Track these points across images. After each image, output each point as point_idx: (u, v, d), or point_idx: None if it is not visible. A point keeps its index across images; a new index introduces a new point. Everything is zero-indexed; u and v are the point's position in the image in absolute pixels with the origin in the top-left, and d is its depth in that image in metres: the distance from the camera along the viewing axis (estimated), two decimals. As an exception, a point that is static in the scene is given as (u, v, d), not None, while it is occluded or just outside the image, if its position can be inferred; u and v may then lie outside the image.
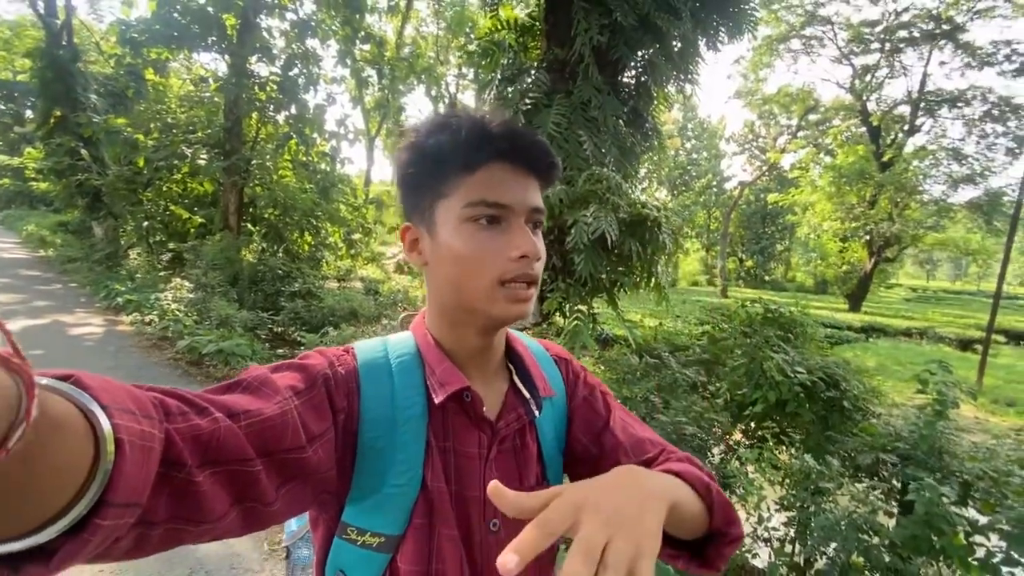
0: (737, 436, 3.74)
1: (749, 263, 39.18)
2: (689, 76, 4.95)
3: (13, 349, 0.25)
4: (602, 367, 4.75)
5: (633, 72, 4.85)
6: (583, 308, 3.87)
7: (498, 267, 0.57)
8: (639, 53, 4.43)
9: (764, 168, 31.53)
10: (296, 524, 0.79)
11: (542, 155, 0.61)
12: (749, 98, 27.36)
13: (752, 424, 3.66)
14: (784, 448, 3.40)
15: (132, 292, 8.41)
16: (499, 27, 5.07)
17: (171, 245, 11.46)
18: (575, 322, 3.84)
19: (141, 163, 10.65)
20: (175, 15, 10.03)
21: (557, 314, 3.96)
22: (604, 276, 3.80)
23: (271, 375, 0.53)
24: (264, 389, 0.50)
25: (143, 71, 11.17)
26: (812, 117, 26.41)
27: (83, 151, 12.46)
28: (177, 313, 6.98)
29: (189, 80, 12.85)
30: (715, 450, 3.44)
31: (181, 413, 0.41)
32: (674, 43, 4.56)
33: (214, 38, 10.48)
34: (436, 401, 0.59)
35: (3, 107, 22.69)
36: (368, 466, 0.57)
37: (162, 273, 10.15)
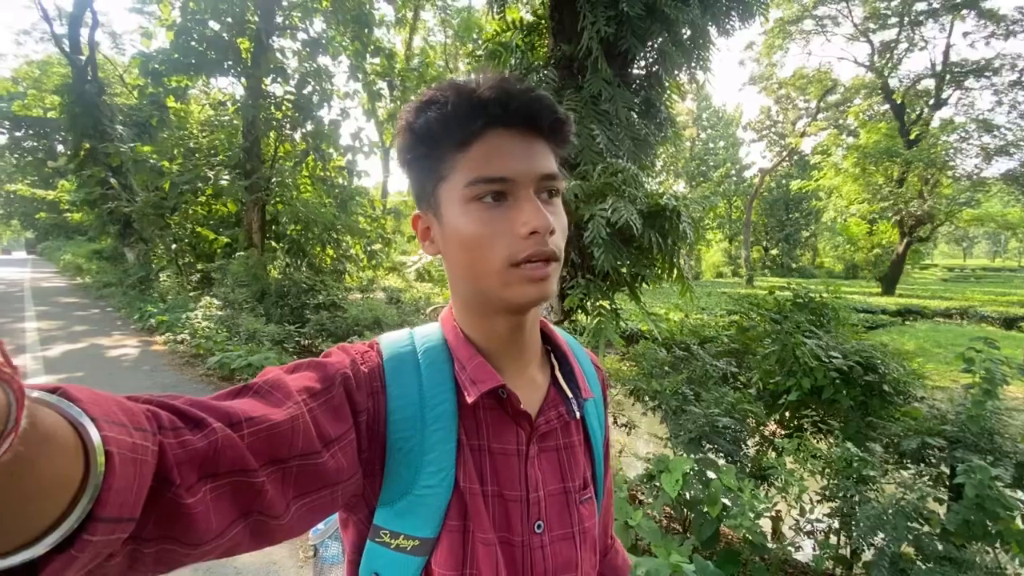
0: (772, 427, 3.64)
1: (774, 251, 38.35)
2: (701, 63, 4.85)
3: (4, 359, 0.24)
4: (628, 364, 4.69)
5: (643, 63, 4.77)
6: (605, 304, 3.82)
7: (507, 248, 0.52)
8: (648, 43, 4.36)
9: (784, 154, 30.82)
10: (323, 523, 0.79)
11: (544, 113, 0.54)
12: (764, 83, 26.84)
13: (787, 413, 3.55)
14: (823, 437, 3.29)
15: (164, 313, 8.69)
16: (505, 29, 5.07)
17: (199, 266, 11.82)
18: (598, 318, 3.79)
19: (167, 188, 11.01)
20: (192, 43, 10.36)
21: (579, 311, 3.91)
22: (625, 270, 3.75)
23: (285, 377, 0.50)
24: (274, 393, 0.47)
25: (165, 99, 11.54)
26: (831, 98, 25.75)
27: (112, 180, 12.95)
28: (207, 330, 7.16)
29: (208, 105, 13.24)
30: (750, 441, 3.35)
31: (173, 428, 0.38)
32: (683, 30, 4.47)
33: (230, 62, 10.80)
34: (468, 400, 0.56)
35: (36, 144, 23.78)
36: (398, 467, 0.54)
37: (192, 293, 10.47)
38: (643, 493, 3.06)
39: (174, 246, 12.24)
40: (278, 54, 11.20)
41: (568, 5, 4.12)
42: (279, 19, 11.21)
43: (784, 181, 35.08)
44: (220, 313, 8.02)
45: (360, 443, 0.52)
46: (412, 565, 0.55)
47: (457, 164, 0.53)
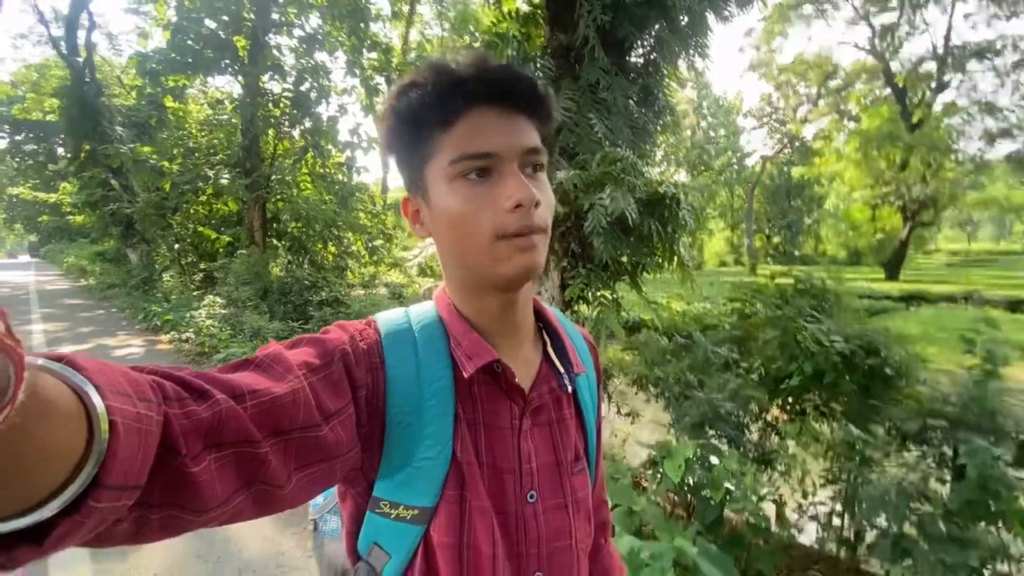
0: (775, 412, 3.65)
1: (777, 239, 38.20)
2: (699, 50, 4.82)
3: (6, 330, 0.24)
4: (631, 353, 4.69)
5: (641, 51, 4.74)
6: (606, 293, 3.82)
7: (493, 221, 0.53)
8: (646, 31, 4.33)
9: (786, 141, 30.63)
10: (322, 497, 0.80)
11: (523, 88, 0.55)
12: (764, 70, 26.63)
13: (790, 398, 3.56)
14: (825, 420, 3.29)
15: (168, 312, 8.73)
16: (501, 20, 5.04)
17: (202, 265, 11.87)
18: (599, 308, 3.80)
19: (168, 188, 11.03)
20: (189, 42, 10.33)
21: (580, 302, 3.92)
22: (625, 259, 3.75)
23: (285, 352, 0.51)
24: (275, 367, 0.48)
25: (163, 99, 11.53)
26: (832, 83, 25.54)
27: (113, 182, 12.98)
28: (212, 329, 7.21)
29: (206, 104, 13.22)
30: (752, 427, 3.36)
31: (179, 398, 0.39)
32: (681, 17, 4.44)
33: (227, 60, 10.76)
34: (465, 375, 0.57)
35: (36, 147, 23.81)
36: (397, 441, 0.56)
37: (195, 292, 10.50)
38: (647, 480, 3.08)
39: (176, 246, 12.28)
40: (275, 51, 11.17)
41: (564, -7, 4.10)
42: (275, 16, 11.16)
43: (786, 168, 34.87)
44: (224, 311, 8.06)
45: (359, 417, 0.53)
46: (412, 533, 0.56)
47: (441, 143, 0.54)
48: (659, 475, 2.69)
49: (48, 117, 20.82)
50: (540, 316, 0.69)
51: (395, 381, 0.56)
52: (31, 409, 0.26)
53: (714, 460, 2.68)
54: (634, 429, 4.12)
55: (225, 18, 10.57)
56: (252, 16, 10.72)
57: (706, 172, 36.72)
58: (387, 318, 0.63)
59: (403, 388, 0.57)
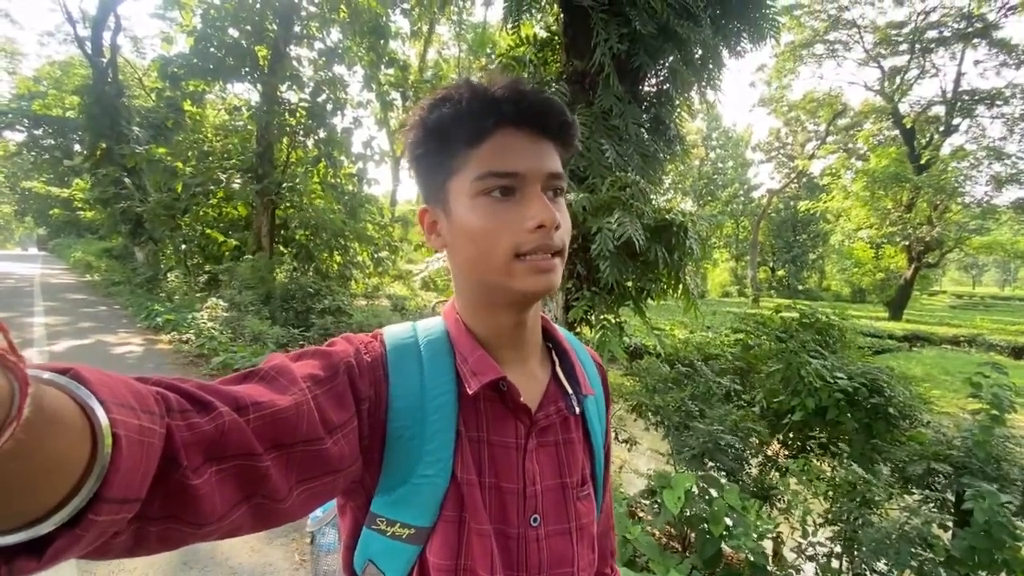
0: (776, 447, 3.60)
1: (781, 272, 38.17)
2: (711, 83, 4.90)
3: (9, 346, 0.25)
4: (631, 379, 4.66)
5: (655, 80, 4.83)
6: (610, 317, 3.81)
7: (513, 240, 0.54)
8: (660, 61, 4.42)
9: (793, 175, 30.87)
10: (321, 510, 0.79)
11: (553, 115, 0.56)
12: (774, 105, 26.99)
13: (791, 434, 3.52)
14: (827, 458, 3.25)
15: (171, 312, 8.74)
16: (519, 44, 5.15)
17: (207, 267, 11.91)
18: (602, 331, 3.79)
19: (179, 189, 11.14)
20: (211, 49, 10.57)
21: (583, 324, 3.91)
22: (630, 284, 3.75)
23: (290, 364, 0.51)
24: (280, 379, 0.48)
25: (182, 103, 11.74)
26: (841, 122, 25.83)
27: (127, 180, 13.13)
28: (213, 331, 7.19)
29: (224, 109, 13.46)
30: (753, 461, 3.31)
31: (182, 410, 0.39)
32: (695, 50, 4.53)
33: (247, 69, 11.00)
34: (469, 391, 0.57)
35: (54, 142, 24.19)
36: (397, 456, 0.55)
37: (199, 294, 10.53)
38: (643, 509, 3.03)
39: (183, 247, 12.36)
40: (294, 62, 11.41)
41: (581, 22, 4.19)
42: (297, 28, 11.44)
43: (792, 202, 35.06)
44: (226, 314, 8.06)
45: (362, 431, 0.53)
46: (407, 553, 0.55)
47: (468, 159, 0.55)
48: (657, 505, 2.64)
49: (68, 114, 21.21)
50: (549, 335, 0.68)
51: (398, 395, 0.56)
52: (36, 425, 0.26)
53: (714, 493, 2.64)
54: (631, 456, 4.07)
55: (248, 28, 10.84)
56: (275, 27, 10.99)
57: (713, 202, 36.98)
58: (394, 332, 0.62)
59: (406, 403, 0.56)
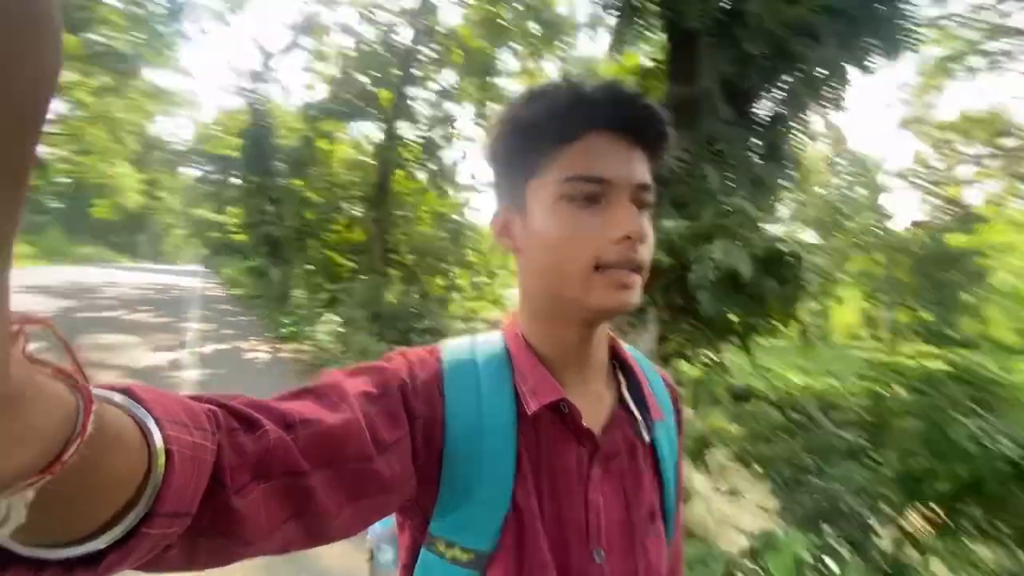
0: (917, 519, 3.04)
1: (925, 315, 33.14)
2: (834, 103, 4.50)
3: (76, 366, 0.26)
4: (736, 424, 4.26)
5: (768, 103, 4.55)
6: (710, 353, 3.55)
7: (595, 250, 0.51)
8: (774, 82, 4.16)
9: (942, 205, 26.97)
10: (380, 526, 0.78)
11: (651, 122, 0.53)
12: (920, 126, 24.02)
13: (938, 507, 2.95)
14: (984, 540, 2.68)
15: (294, 325, 9.75)
16: (622, 73, 5.15)
17: (327, 286, 13.20)
18: (704, 368, 3.54)
19: (309, 216, 12.57)
20: (345, 94, 12.00)
21: (679, 359, 3.68)
22: (735, 318, 3.47)
23: (344, 380, 0.50)
24: (331, 396, 0.48)
25: (316, 140, 13.38)
26: (1006, 143, 22.22)
27: (269, 208, 15.16)
28: (327, 344, 7.88)
29: (349, 145, 15.10)
30: (883, 532, 2.83)
31: (229, 429, 0.39)
32: (814, 69, 4.20)
33: (373, 110, 12.29)
34: (528, 411, 0.54)
35: (220, 176, 28.80)
36: (454, 477, 0.53)
37: (318, 310, 11.66)
38: (743, 571, 2.71)
39: (308, 267, 13.84)
40: (410, 102, 12.52)
41: (687, 47, 4.09)
42: (415, 72, 12.56)
43: (939, 235, 30.53)
44: (340, 330, 8.81)
45: (415, 449, 0.52)
46: None
47: (554, 160, 0.53)
48: (760, 569, 2.34)
49: (230, 152, 25.15)
50: (615, 354, 0.63)
51: (454, 414, 0.54)
52: (98, 441, 0.27)
53: (831, 565, 2.28)
54: (733, 510, 3.68)
55: (378, 74, 12.14)
56: (397, 72, 12.18)
57: (840, 233, 33.38)
58: (451, 347, 0.61)
59: (462, 421, 0.54)
